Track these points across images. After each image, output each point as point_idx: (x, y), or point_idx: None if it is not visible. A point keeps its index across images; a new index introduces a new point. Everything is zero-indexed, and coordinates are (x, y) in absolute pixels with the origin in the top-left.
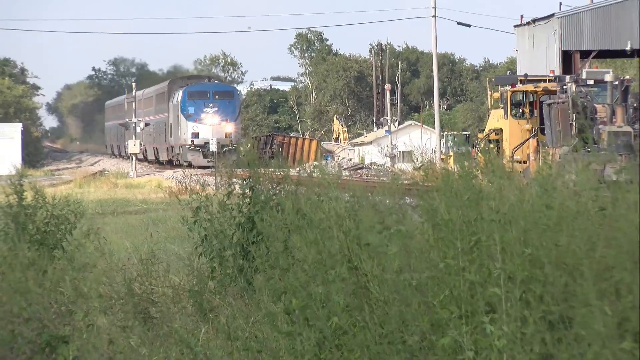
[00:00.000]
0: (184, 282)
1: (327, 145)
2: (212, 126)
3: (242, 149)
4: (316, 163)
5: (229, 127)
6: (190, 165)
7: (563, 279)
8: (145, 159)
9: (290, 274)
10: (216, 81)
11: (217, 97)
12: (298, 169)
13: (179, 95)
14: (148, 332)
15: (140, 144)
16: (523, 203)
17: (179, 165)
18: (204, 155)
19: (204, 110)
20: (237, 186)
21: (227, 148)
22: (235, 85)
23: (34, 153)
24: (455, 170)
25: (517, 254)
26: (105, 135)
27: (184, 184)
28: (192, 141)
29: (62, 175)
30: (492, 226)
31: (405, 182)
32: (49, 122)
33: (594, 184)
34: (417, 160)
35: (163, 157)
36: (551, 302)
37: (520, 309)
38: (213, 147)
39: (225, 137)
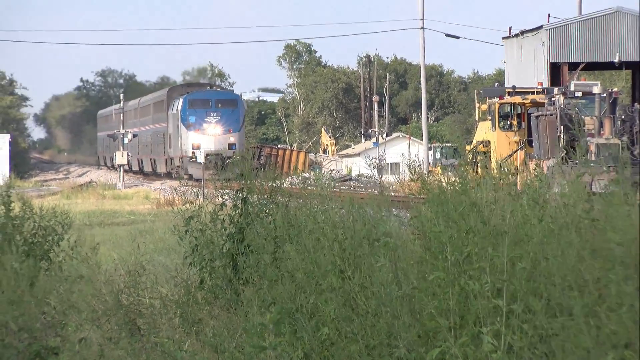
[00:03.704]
0: (171, 294)
1: (315, 156)
2: (215, 137)
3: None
4: (307, 175)
5: (233, 138)
6: (191, 178)
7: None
8: (141, 171)
9: (279, 284)
10: (218, 89)
11: (219, 105)
12: (290, 180)
13: (178, 103)
14: (135, 343)
15: (129, 155)
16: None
17: (179, 178)
18: (207, 168)
19: (206, 119)
20: (228, 197)
21: (230, 160)
22: None
23: (21, 164)
24: (447, 182)
25: (520, 267)
26: (97, 145)
27: (177, 194)
28: (193, 152)
29: (50, 187)
30: (500, 239)
31: (395, 194)
32: (37, 133)
33: (584, 196)
34: (414, 172)
35: (161, 169)
36: (545, 316)
37: (519, 321)
38: (201, 159)
39: (229, 148)
